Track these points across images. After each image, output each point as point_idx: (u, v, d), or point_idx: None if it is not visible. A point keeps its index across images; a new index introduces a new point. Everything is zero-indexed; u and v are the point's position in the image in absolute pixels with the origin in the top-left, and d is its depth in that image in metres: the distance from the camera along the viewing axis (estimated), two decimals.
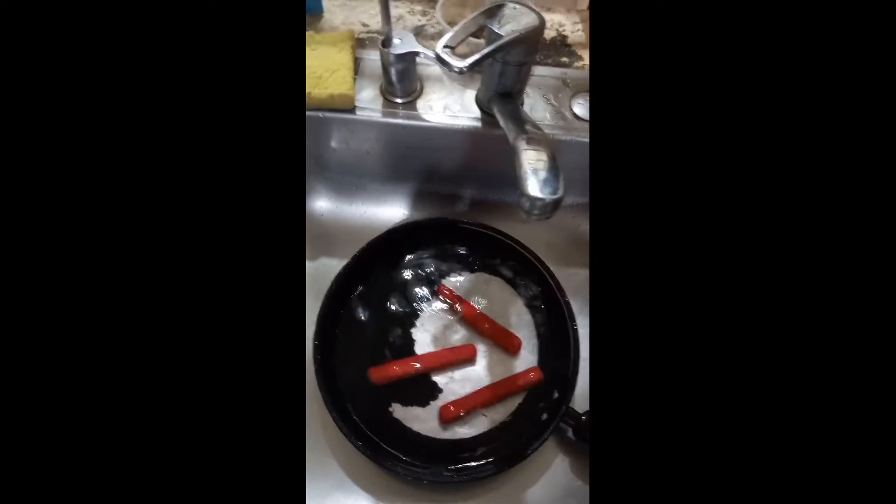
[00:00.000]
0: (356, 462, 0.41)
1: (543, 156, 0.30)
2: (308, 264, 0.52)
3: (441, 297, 0.49)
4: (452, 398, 0.44)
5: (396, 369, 0.44)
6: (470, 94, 0.48)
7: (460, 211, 0.54)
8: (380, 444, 0.41)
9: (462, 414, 0.43)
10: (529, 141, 0.31)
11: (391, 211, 0.55)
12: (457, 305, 0.48)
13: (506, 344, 0.47)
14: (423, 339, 0.47)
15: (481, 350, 0.47)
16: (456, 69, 0.36)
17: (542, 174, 0.28)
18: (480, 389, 0.45)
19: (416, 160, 0.51)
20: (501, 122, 0.37)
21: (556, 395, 0.44)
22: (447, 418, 0.43)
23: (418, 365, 0.45)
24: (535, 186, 0.27)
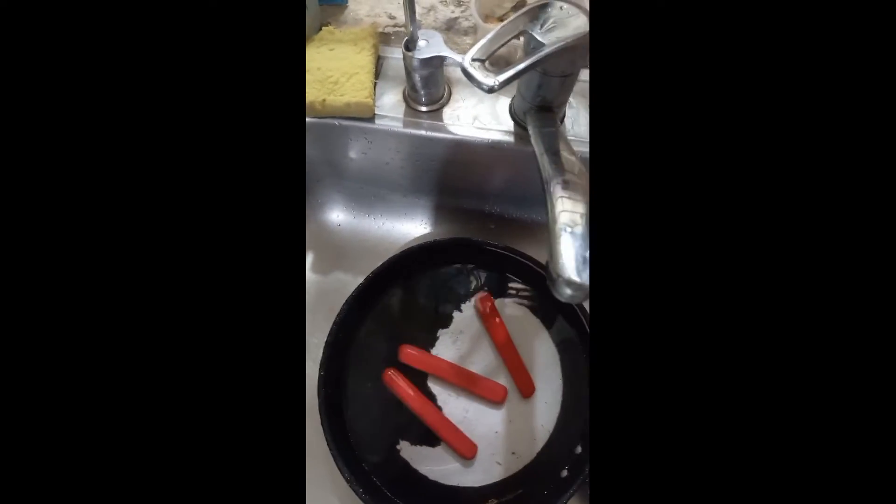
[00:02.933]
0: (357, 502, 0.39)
1: (580, 207, 0.25)
2: (321, 279, 0.49)
3: (476, 306, 0.46)
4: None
5: (426, 360, 0.44)
6: (503, 103, 0.43)
7: (486, 230, 0.49)
8: (382, 489, 0.39)
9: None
10: (566, 186, 0.26)
11: (411, 225, 0.50)
12: (487, 321, 0.45)
13: (520, 385, 0.43)
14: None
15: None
16: (485, 87, 0.31)
17: (580, 236, 0.23)
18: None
19: (439, 174, 0.46)
20: (535, 150, 0.32)
21: (579, 449, 0.40)
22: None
23: (444, 367, 0.44)
24: (569, 263, 0.21)
